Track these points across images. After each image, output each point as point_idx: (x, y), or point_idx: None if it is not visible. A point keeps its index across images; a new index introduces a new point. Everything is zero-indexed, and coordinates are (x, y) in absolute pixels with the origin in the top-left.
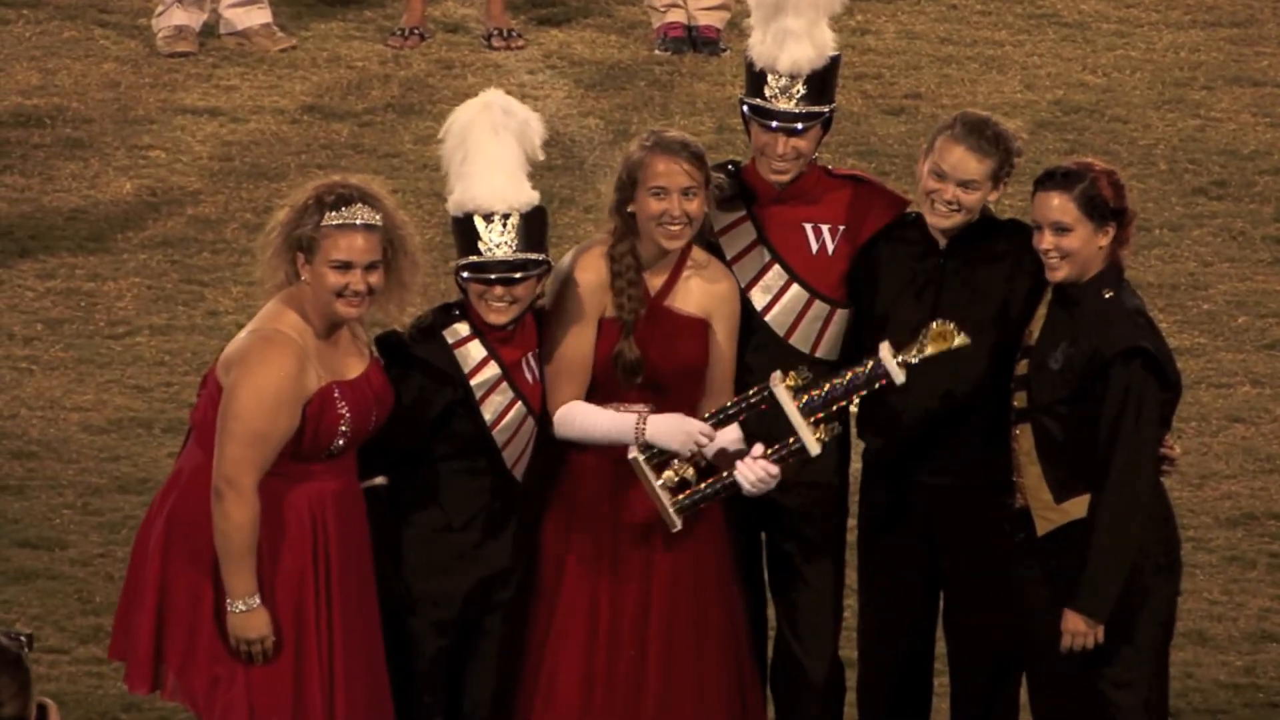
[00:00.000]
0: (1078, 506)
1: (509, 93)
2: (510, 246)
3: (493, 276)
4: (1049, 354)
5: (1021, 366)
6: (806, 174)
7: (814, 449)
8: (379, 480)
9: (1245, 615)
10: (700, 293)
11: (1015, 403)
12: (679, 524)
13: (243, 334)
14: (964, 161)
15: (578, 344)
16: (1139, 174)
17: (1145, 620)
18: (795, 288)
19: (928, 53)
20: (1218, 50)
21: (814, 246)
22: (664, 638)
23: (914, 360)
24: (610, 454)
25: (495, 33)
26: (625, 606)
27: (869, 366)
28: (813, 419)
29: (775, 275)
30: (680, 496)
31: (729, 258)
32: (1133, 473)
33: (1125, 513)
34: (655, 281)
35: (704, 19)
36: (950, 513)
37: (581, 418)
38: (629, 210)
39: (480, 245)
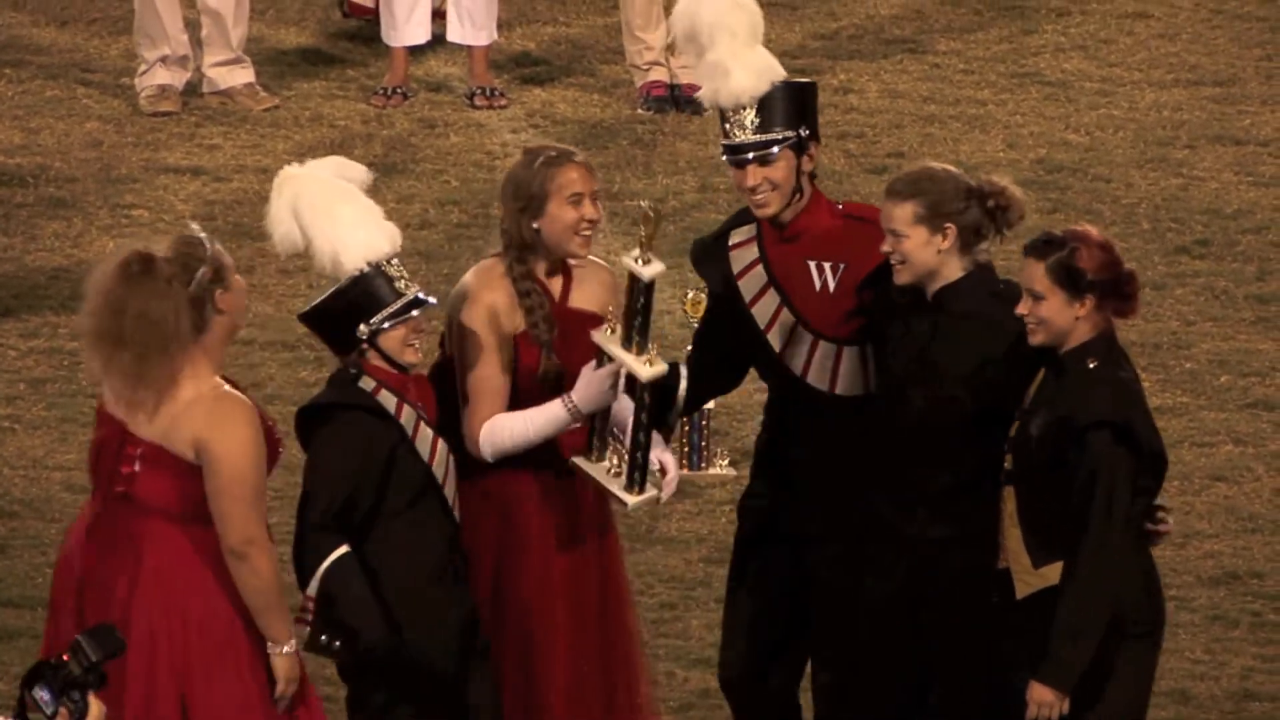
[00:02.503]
0: (1055, 572)
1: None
2: (410, 282)
3: (416, 313)
4: (1032, 419)
5: (1014, 429)
6: (810, 209)
7: (644, 373)
8: (342, 550)
9: (1228, 674)
10: (592, 288)
11: (1006, 464)
12: (632, 501)
13: (182, 404)
14: (885, 212)
15: (496, 363)
16: (1122, 233)
17: (1117, 689)
18: (799, 329)
19: (910, 112)
20: (1200, 109)
21: (817, 284)
22: (600, 642)
23: (640, 253)
24: (534, 474)
25: (478, 91)
26: (582, 610)
27: (628, 281)
28: (634, 349)
29: (785, 317)
30: (624, 476)
31: (746, 300)
32: (1101, 545)
33: (1093, 584)
34: (554, 286)
35: (685, 77)
36: (936, 569)
37: (511, 426)
38: (535, 227)
39: (397, 288)
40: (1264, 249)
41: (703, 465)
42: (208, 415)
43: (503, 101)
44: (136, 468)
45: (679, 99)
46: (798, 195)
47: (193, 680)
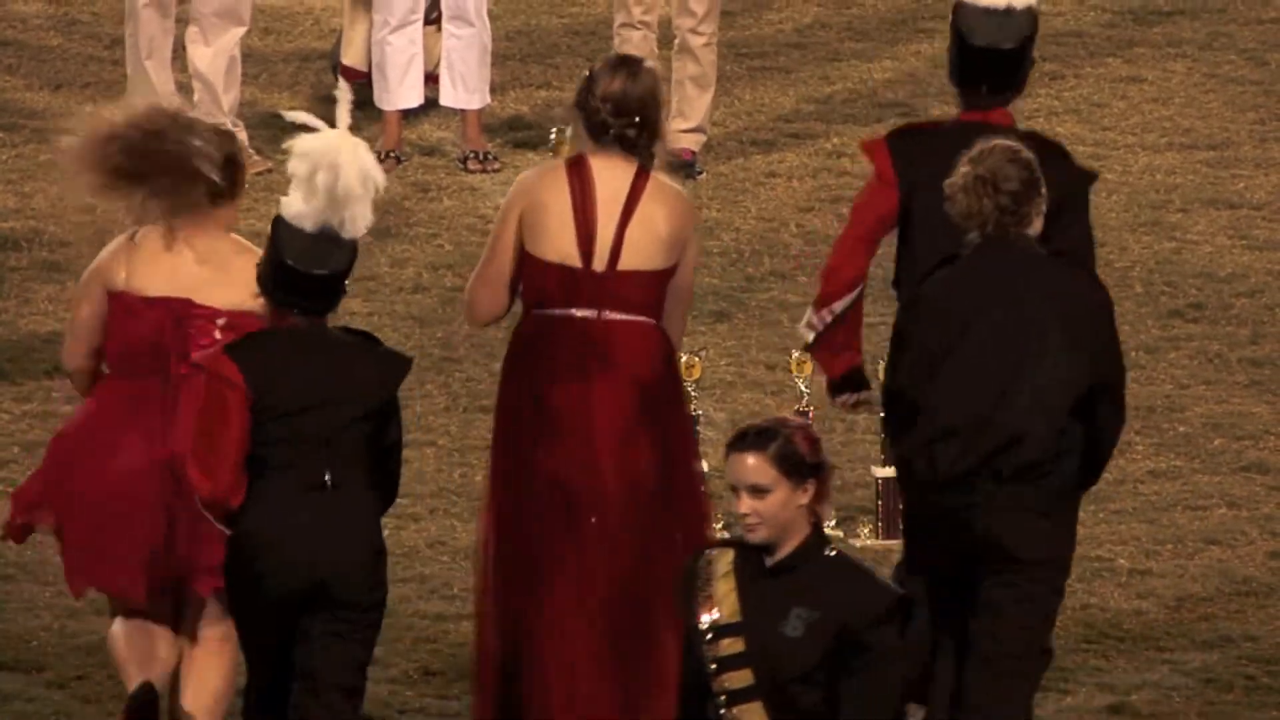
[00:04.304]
0: None
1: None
2: None
3: None
4: (778, 624)
5: (726, 646)
6: None
7: None
8: None
9: None
10: None
11: (726, 684)
12: None
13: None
14: None
15: None
16: (1116, 296)
17: None
18: None
19: None
20: (1194, 173)
21: None
22: None
23: None
24: None
25: (471, 155)
26: None
27: None
28: None
29: None
30: None
31: None
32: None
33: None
34: None
35: (680, 141)
36: None
37: None
38: None
39: None
40: (1258, 312)
41: None
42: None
43: (495, 165)
44: (218, 335)
45: (673, 163)
46: None
47: None
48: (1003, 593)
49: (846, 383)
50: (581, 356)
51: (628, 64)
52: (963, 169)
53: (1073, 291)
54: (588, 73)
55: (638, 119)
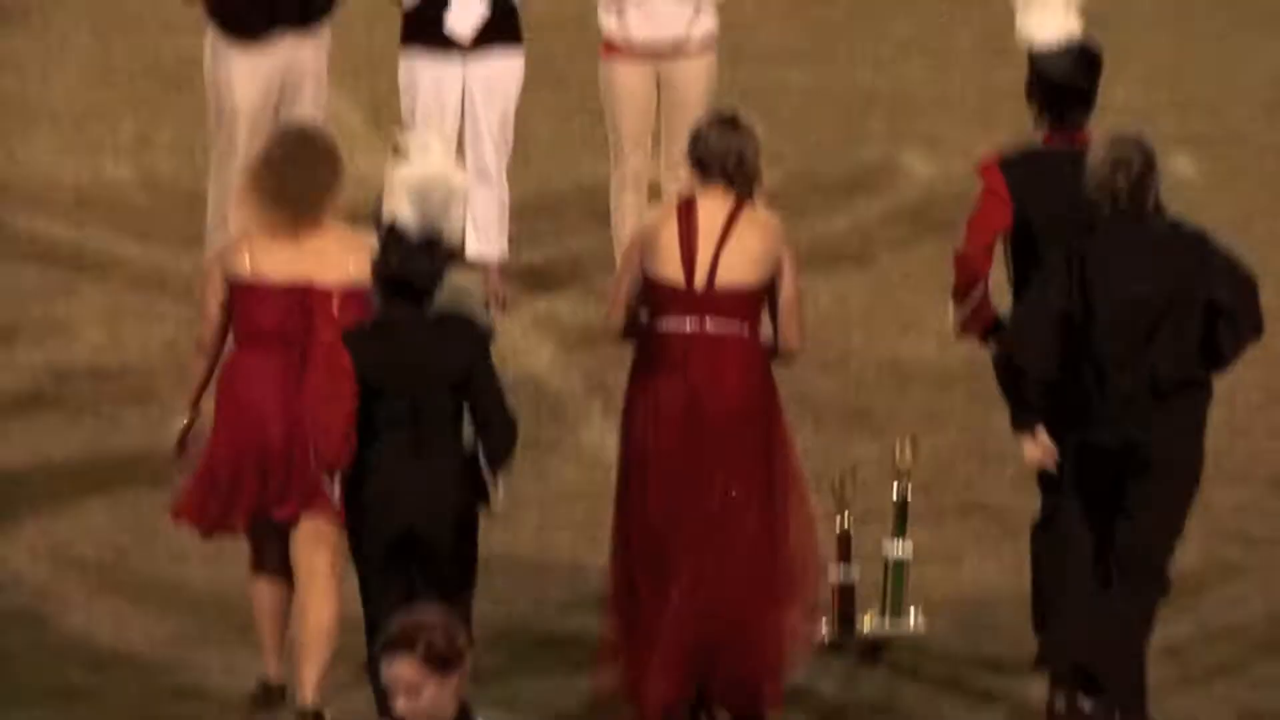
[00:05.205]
0: None
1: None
2: None
3: None
4: None
5: None
6: None
7: None
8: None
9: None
10: None
11: None
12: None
13: (346, 245)
14: None
15: None
16: None
17: None
18: None
19: None
20: None
21: None
22: None
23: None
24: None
25: (490, 298)
26: None
27: None
28: None
29: None
30: None
31: None
32: None
33: None
34: None
35: None
36: None
37: None
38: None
39: None
40: None
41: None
42: (361, 248)
43: (510, 306)
44: (335, 311)
45: None
46: None
47: None
48: (1147, 494)
49: (994, 332)
50: (686, 357)
51: (730, 119)
52: (1100, 154)
53: (1178, 247)
54: (696, 129)
55: (738, 155)
